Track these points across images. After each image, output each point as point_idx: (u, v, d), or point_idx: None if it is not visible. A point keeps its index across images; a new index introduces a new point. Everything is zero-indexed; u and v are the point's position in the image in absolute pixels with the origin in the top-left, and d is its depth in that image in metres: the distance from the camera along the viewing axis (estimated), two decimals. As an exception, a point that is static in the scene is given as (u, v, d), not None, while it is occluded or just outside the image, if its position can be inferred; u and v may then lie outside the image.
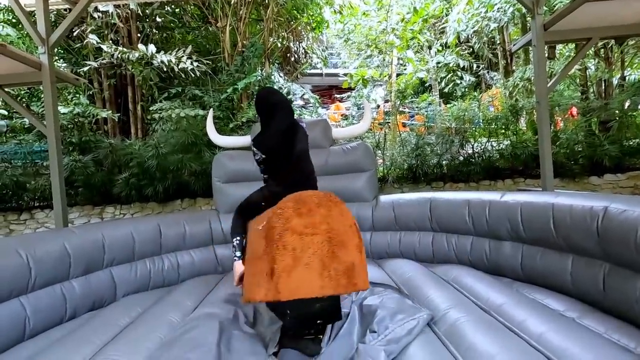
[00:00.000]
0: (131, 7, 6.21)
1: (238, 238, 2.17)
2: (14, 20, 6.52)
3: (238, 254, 2.14)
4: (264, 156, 2.19)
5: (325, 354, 1.74)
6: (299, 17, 7.50)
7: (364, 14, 7.74)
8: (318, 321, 1.83)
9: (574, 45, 6.77)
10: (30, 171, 5.71)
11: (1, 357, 1.81)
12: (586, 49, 4.15)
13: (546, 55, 4.81)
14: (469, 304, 2.04)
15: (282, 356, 1.74)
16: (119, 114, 6.65)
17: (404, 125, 7.74)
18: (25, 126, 6.50)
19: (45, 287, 2.19)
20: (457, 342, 1.65)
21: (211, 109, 3.99)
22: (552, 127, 5.20)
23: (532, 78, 6.19)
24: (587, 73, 6.53)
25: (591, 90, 6.55)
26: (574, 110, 6.33)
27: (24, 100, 6.98)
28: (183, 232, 3.12)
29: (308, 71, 10.38)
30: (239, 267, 2.12)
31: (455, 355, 1.58)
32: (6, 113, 6.27)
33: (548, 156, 3.84)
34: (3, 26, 5.95)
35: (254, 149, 2.22)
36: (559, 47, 7.34)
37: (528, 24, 6.65)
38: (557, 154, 5.09)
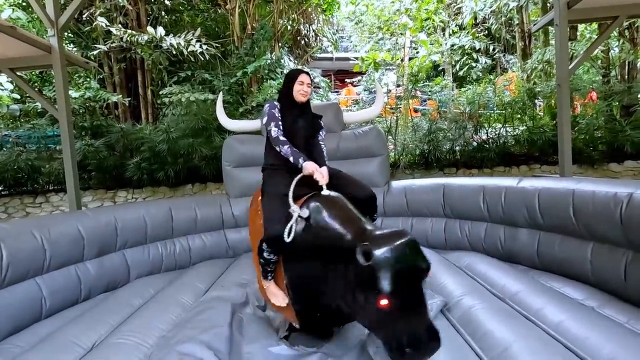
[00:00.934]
0: (140, -12, 6.12)
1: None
2: (23, 4, 6.51)
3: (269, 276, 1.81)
4: (278, 104, 1.98)
5: (336, 337, 1.73)
6: (309, -2, 7.31)
7: (377, -6, 7.50)
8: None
9: (596, 25, 6.46)
10: (45, 155, 5.78)
11: (20, 335, 1.85)
12: (612, 28, 3.94)
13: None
14: (484, 291, 2.00)
15: (293, 339, 1.74)
16: (129, 99, 6.65)
17: (416, 110, 7.57)
18: (38, 110, 6.55)
19: (60, 269, 2.23)
20: (471, 329, 1.63)
21: (220, 93, 3.94)
22: (570, 112, 5.01)
23: (552, 60, 5.96)
24: (610, 55, 6.24)
25: (613, 73, 6.27)
26: (594, 94, 6.09)
27: (36, 84, 7.02)
28: (194, 216, 3.13)
29: (318, 55, 10.19)
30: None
31: (469, 342, 1.56)
32: (19, 97, 6.32)
33: (567, 142, 3.71)
34: (13, 9, 5.93)
35: (276, 103, 1.99)
36: (580, 28, 7.02)
37: (549, 3, 6.36)
38: (575, 139, 4.92)
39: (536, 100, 5.92)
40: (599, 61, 6.39)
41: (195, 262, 3.05)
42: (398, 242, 1.21)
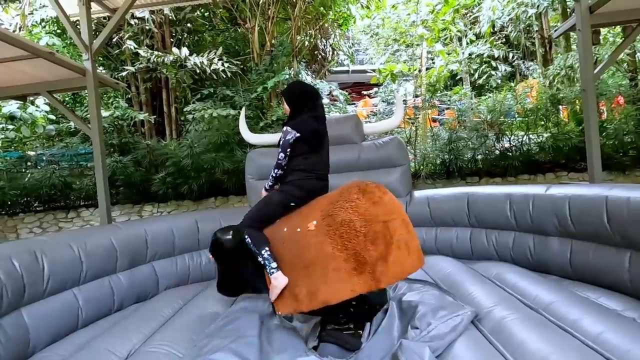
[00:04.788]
0: (165, 12, 6.44)
1: (267, 249, 1.99)
2: (58, 31, 6.95)
3: (274, 264, 1.95)
4: (298, 134, 2.07)
5: (365, 349, 1.72)
6: (326, 14, 7.48)
7: (393, 6, 7.59)
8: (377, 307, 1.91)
9: (620, 29, 6.31)
10: (76, 172, 6.06)
11: (59, 344, 1.93)
12: (637, 31, 3.85)
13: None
14: (515, 301, 1.95)
15: (322, 350, 1.74)
16: (154, 116, 6.93)
17: (434, 120, 7.52)
18: (70, 130, 6.91)
19: (95, 280, 2.32)
20: (504, 341, 1.58)
21: (243, 108, 4.06)
22: (597, 117, 4.87)
23: (575, 65, 5.84)
24: (637, 58, 6.07)
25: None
26: (621, 99, 5.90)
27: (68, 105, 7.42)
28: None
29: (334, 68, 10.34)
30: (282, 279, 1.91)
31: (503, 353, 1.52)
32: (54, 118, 6.69)
33: (596, 147, 3.60)
34: (50, 36, 6.35)
35: (289, 128, 2.10)
36: (603, 31, 6.85)
37: (569, 9, 6.27)
38: (604, 145, 4.76)
39: (560, 107, 5.79)
40: (625, 64, 6.21)
41: (220, 274, 3.10)
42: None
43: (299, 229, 1.90)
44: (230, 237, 2.15)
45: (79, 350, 1.81)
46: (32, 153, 6.48)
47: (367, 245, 1.69)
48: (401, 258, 1.72)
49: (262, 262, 1.97)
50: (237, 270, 2.18)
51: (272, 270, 1.93)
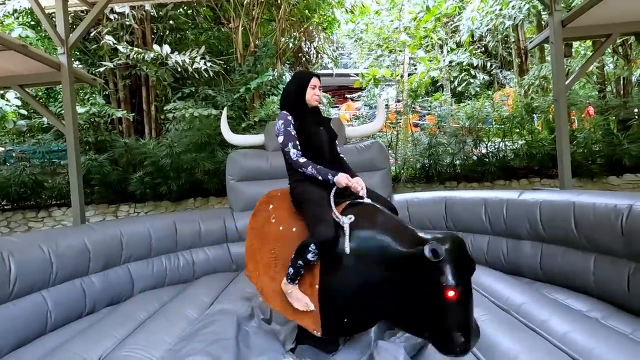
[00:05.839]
0: (146, 8, 6.30)
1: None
2: (32, 23, 6.68)
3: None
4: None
5: (342, 351, 1.73)
6: (310, 17, 7.51)
7: (376, 12, 7.71)
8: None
9: (590, 42, 6.63)
10: (48, 170, 5.83)
11: (26, 348, 1.85)
12: (606, 45, 4.06)
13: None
14: (488, 303, 2.01)
15: (299, 352, 1.74)
16: (133, 114, 6.75)
17: (415, 125, 7.68)
18: (43, 126, 6.64)
19: (65, 282, 2.23)
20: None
21: (225, 108, 4.02)
22: (568, 126, 5.09)
23: (548, 76, 6.09)
24: (605, 71, 6.38)
25: (608, 88, 6.40)
26: (591, 109, 6.19)
27: (42, 100, 7.13)
28: (198, 230, 3.15)
29: (318, 71, 10.40)
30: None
31: (476, 354, 1.56)
32: (26, 113, 6.42)
33: (566, 155, 3.76)
34: (23, 28, 6.09)
35: (290, 117, 1.90)
36: (575, 45, 7.19)
37: (544, 22, 6.54)
38: (574, 153, 4.98)
39: (534, 115, 6.02)
40: (595, 77, 6.53)
41: (198, 276, 3.05)
42: (457, 241, 1.36)
43: (294, 229, 1.85)
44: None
45: (46, 355, 1.74)
46: (0, 149, 6.19)
47: None
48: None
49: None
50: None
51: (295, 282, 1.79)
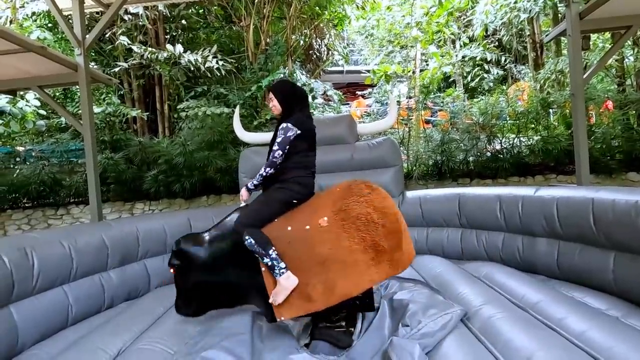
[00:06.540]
0: (159, 8, 6.39)
1: (273, 248, 1.86)
2: (49, 25, 6.85)
3: (283, 264, 1.83)
4: (299, 132, 2.03)
5: (357, 346, 1.74)
6: (321, 14, 7.49)
7: (388, 8, 7.63)
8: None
9: (609, 35, 6.44)
10: (66, 169, 5.98)
11: (48, 341, 1.91)
12: (625, 38, 3.94)
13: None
14: (503, 300, 1.99)
15: (313, 348, 1.75)
16: (147, 113, 6.87)
17: (427, 122, 7.60)
18: (61, 126, 6.81)
19: (85, 277, 2.30)
20: (493, 338, 1.62)
21: (238, 106, 4.05)
22: (586, 121, 4.97)
23: (565, 70, 5.94)
24: (625, 64, 6.19)
25: (628, 82, 6.20)
26: (610, 103, 6.02)
27: (59, 101, 7.31)
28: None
29: (329, 68, 10.36)
30: (293, 279, 1.82)
31: (492, 351, 1.55)
32: (45, 113, 6.59)
33: (584, 151, 3.68)
34: (42, 30, 6.25)
35: (290, 125, 2.02)
36: (593, 37, 6.99)
37: (560, 14, 6.38)
38: (592, 149, 4.85)
39: (550, 110, 5.89)
40: (614, 70, 6.34)
41: (212, 272, 3.09)
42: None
43: (308, 227, 1.87)
44: (202, 246, 1.95)
45: (68, 348, 1.80)
46: (21, 149, 6.38)
47: (386, 235, 1.80)
48: (409, 245, 1.89)
49: (270, 264, 1.82)
50: (209, 284, 1.96)
51: (282, 271, 1.81)
